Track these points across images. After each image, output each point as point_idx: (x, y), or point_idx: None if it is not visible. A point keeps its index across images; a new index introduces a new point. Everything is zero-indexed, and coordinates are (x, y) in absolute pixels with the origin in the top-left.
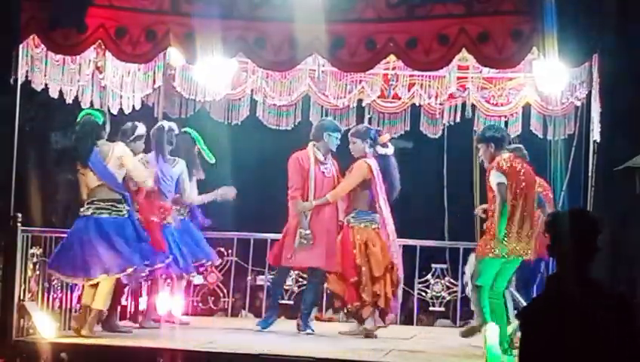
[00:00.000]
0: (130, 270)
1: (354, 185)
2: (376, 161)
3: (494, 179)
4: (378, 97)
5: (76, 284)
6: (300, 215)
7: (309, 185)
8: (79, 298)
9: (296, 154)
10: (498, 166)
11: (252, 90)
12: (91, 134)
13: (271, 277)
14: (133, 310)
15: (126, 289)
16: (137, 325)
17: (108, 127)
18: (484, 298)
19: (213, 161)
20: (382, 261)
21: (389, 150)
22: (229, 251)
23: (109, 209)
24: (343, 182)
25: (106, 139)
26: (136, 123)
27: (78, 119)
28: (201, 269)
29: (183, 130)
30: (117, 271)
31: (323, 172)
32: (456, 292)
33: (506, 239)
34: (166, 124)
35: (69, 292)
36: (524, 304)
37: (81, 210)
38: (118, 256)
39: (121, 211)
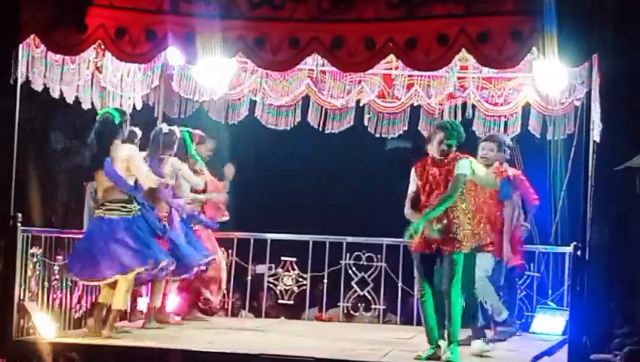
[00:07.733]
0: (146, 266)
1: None
2: None
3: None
4: (377, 97)
5: (76, 284)
6: None
7: None
8: (79, 298)
9: None
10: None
11: (251, 90)
12: (107, 134)
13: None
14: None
15: None
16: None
17: (126, 128)
18: None
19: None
20: None
21: None
22: (229, 251)
23: (118, 210)
24: None
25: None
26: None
27: (98, 118)
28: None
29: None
30: (130, 269)
31: None
32: None
33: None
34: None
35: (69, 293)
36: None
37: (96, 211)
38: (132, 253)
39: (130, 211)
